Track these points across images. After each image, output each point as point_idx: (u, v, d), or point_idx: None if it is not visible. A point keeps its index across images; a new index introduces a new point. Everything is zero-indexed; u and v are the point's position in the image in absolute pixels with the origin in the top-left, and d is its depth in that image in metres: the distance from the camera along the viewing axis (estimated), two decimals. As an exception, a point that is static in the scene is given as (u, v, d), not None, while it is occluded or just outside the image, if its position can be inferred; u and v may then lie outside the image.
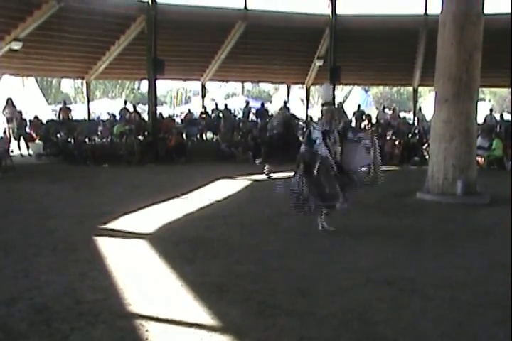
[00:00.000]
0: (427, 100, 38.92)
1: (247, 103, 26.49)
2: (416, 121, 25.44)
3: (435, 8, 16.72)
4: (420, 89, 30.24)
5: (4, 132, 20.66)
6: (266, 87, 59.97)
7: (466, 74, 11.35)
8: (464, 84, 11.33)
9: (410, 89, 30.76)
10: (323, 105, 8.28)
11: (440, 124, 11.60)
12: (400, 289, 5.65)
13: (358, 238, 7.99)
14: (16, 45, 19.25)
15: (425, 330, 4.64)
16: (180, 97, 52.20)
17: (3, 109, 20.97)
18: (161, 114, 22.52)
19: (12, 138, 19.67)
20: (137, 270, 6.32)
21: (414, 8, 41.16)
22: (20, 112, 21.31)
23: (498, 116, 25.31)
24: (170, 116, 25.28)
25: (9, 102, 21.04)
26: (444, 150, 11.48)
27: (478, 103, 12.33)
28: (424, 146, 18.41)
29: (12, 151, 17.74)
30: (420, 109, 27.32)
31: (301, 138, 19.10)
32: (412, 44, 23.86)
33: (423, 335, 4.56)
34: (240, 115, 26.08)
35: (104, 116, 24.76)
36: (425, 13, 23.00)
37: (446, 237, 8.10)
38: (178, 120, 25.21)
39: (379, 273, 6.16)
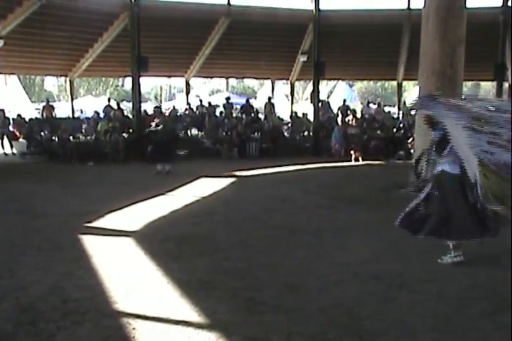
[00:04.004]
0: (411, 94, 39.03)
1: (227, 99, 25.99)
2: (401, 116, 25.53)
3: (418, 2, 16.76)
4: (404, 83, 30.31)
5: (-13, 131, 20.55)
6: (250, 82, 59.94)
7: (449, 68, 11.38)
8: (447, 78, 11.35)
9: (394, 83, 30.84)
10: None
11: (424, 118, 11.62)
12: (387, 284, 5.66)
13: (345, 233, 8.00)
14: (-2, 43, 19.09)
15: (413, 324, 4.65)
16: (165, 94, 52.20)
17: (-14, 108, 20.85)
18: (145, 111, 22.43)
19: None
20: (123, 268, 6.30)
21: (397, 3, 41.26)
22: (3, 111, 21.18)
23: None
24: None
25: (-9, 101, 20.93)
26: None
27: (463, 97, 12.33)
28: (409, 140, 18.44)
29: (-5, 150, 17.66)
30: (405, 103, 27.40)
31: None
32: (396, 38, 23.89)
33: (411, 329, 4.56)
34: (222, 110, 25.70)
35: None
36: (408, 8, 23.02)
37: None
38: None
39: (366, 268, 6.17)
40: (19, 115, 22.21)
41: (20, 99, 30.08)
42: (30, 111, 28.58)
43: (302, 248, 7.15)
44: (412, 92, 41.41)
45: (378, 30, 22.71)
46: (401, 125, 22.20)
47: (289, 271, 6.15)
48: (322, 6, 21.94)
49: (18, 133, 21.23)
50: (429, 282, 5.71)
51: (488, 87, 49.35)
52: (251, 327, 4.59)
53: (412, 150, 16.19)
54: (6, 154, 19.84)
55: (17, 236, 7.85)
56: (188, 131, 22.73)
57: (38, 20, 19.21)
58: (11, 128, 21.16)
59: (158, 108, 16.04)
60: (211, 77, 32.40)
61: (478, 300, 5.18)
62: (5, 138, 20.45)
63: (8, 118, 21.32)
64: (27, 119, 22.18)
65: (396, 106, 29.85)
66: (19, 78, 32.49)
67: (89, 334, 4.49)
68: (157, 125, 15.52)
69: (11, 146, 20.41)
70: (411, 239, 6.99)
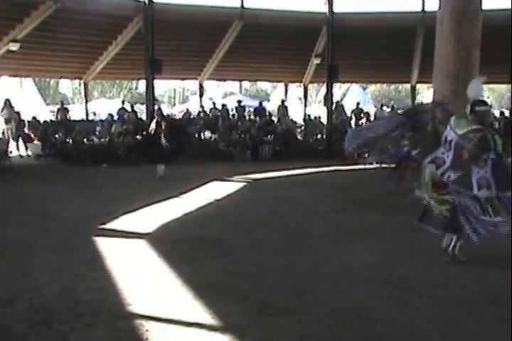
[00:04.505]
0: (425, 97, 38.89)
1: (239, 102, 26.04)
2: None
3: (433, 4, 16.73)
4: (418, 86, 30.18)
5: (2, 133, 20.71)
6: (264, 85, 59.92)
7: (464, 71, 11.33)
8: (462, 81, 11.29)
9: (408, 86, 30.74)
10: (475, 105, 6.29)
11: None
12: (397, 288, 5.65)
13: (355, 236, 7.99)
14: (14, 46, 19.23)
15: (424, 329, 4.64)
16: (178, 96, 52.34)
17: (1, 110, 21.00)
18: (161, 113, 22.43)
19: (10, 139, 19.68)
20: (136, 270, 6.32)
21: (411, 5, 41.16)
22: (19, 113, 21.31)
23: (497, 113, 25.28)
24: (168, 115, 25.24)
25: (7, 103, 21.07)
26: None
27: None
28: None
29: (11, 152, 17.76)
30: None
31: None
32: (410, 41, 23.82)
33: (422, 334, 4.56)
34: (234, 113, 25.58)
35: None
36: (423, 10, 22.96)
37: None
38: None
39: (376, 272, 6.16)
40: (34, 117, 22.32)
41: (35, 102, 30.23)
42: (45, 113, 28.74)
43: (313, 251, 7.16)
44: (425, 95, 41.25)
45: (392, 33, 22.65)
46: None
47: (299, 274, 6.16)
48: (336, 9, 21.97)
49: (32, 136, 21.34)
50: (440, 286, 5.69)
51: (502, 90, 49.10)
52: (263, 330, 4.60)
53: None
54: (21, 156, 19.95)
55: (30, 238, 7.90)
56: (202, 134, 22.76)
57: (54, 24, 19.34)
58: (26, 130, 21.29)
59: (159, 110, 15.82)
60: (224, 80, 32.40)
61: (490, 304, 5.15)
62: (20, 140, 20.58)
63: (23, 121, 21.45)
64: (42, 122, 22.31)
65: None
66: (34, 81, 32.65)
67: (102, 335, 4.52)
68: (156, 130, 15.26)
69: (26, 148, 20.54)
70: (422, 242, 7.00)
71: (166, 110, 36.23)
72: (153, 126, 14.95)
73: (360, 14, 23.58)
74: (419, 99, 36.82)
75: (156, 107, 18.37)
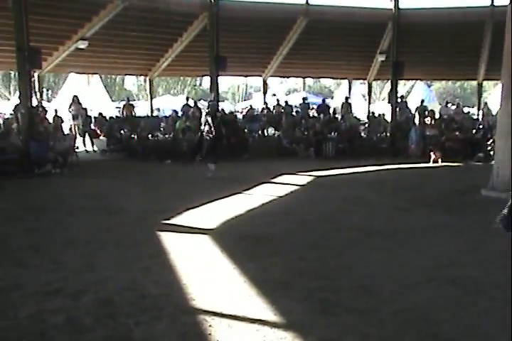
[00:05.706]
0: (492, 95, 38.03)
1: (304, 99, 26.26)
2: (480, 116, 24.94)
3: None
4: (485, 83, 29.55)
5: (70, 129, 21.21)
6: (327, 82, 59.70)
7: (534, 68, 11.02)
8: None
9: (474, 83, 30.11)
10: None
11: (506, 120, 11.30)
12: (464, 289, 5.54)
13: (421, 236, 7.88)
14: (83, 44, 19.65)
15: (491, 331, 4.54)
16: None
17: (70, 106, 21.53)
18: (223, 110, 22.61)
19: (77, 135, 20.11)
20: (200, 265, 6.37)
21: (480, 0, 40.27)
22: (86, 109, 21.78)
23: None
24: (232, 112, 25.40)
25: (75, 99, 21.58)
26: (510, 147, 11.15)
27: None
28: (489, 142, 17.98)
29: (77, 147, 18.13)
30: (486, 103, 26.73)
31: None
32: (477, 37, 23.30)
33: (489, 336, 4.46)
34: (297, 110, 25.57)
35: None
36: (492, 5, 22.39)
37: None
38: (239, 116, 25.31)
39: (442, 272, 6.06)
40: (100, 113, 22.77)
41: (101, 98, 30.82)
42: (111, 109, 29.27)
43: (377, 250, 7.08)
44: (492, 92, 40.34)
45: (459, 29, 22.23)
46: (481, 126, 21.71)
47: (363, 273, 6.11)
48: (401, 5, 21.67)
49: (99, 131, 21.77)
50: (508, 288, 5.54)
51: None
52: (326, 329, 4.58)
53: (491, 152, 15.80)
54: (87, 151, 20.37)
55: (96, 232, 8.07)
56: (265, 131, 22.81)
57: (121, 22, 19.66)
58: (92, 126, 21.72)
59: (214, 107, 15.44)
60: (288, 77, 32.42)
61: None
62: (87, 135, 21.02)
63: (90, 117, 21.91)
64: (108, 118, 22.73)
65: (476, 107, 29.14)
66: (101, 78, 33.31)
67: (167, 330, 4.57)
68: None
69: (92, 144, 20.95)
70: (490, 243, 6.83)
71: (230, 107, 36.55)
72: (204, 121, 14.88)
73: (426, 10, 23.20)
74: (485, 96, 36.02)
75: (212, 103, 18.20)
